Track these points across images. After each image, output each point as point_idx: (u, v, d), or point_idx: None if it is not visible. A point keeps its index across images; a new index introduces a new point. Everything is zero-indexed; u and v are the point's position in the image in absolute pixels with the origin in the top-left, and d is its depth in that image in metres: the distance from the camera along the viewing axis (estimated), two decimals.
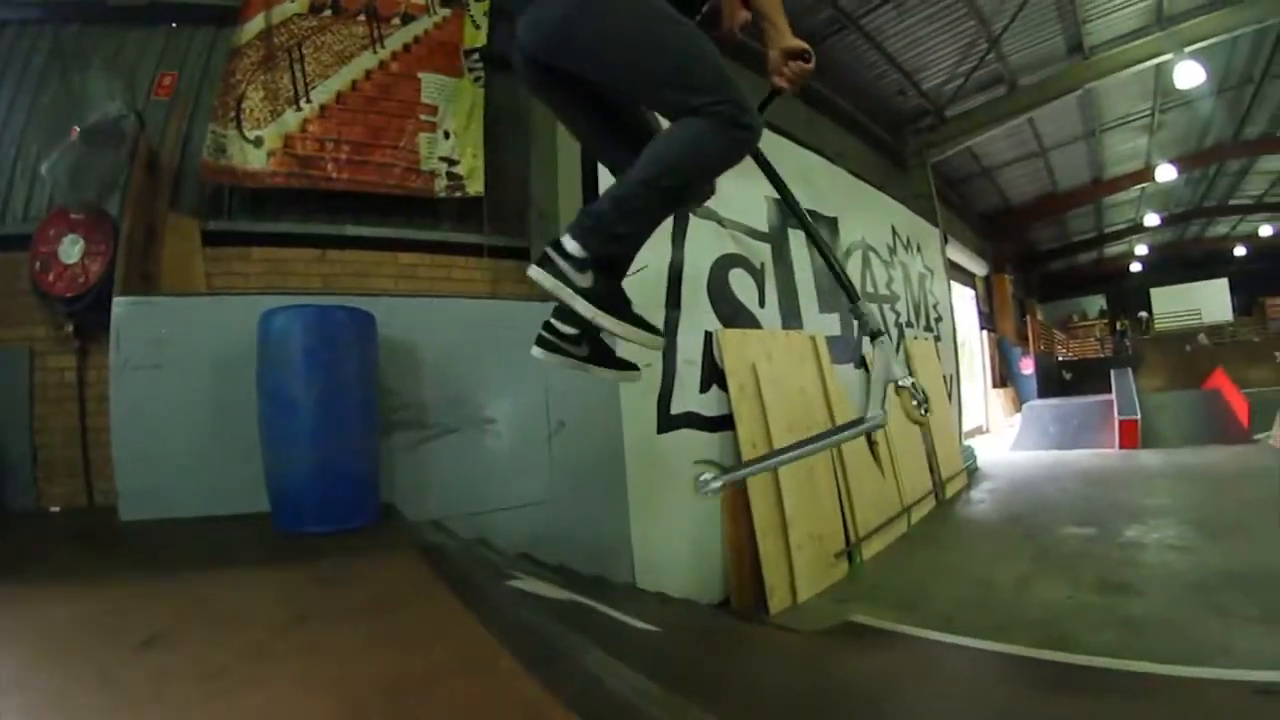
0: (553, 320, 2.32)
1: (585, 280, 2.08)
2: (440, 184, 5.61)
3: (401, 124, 5.63)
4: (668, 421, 5.36)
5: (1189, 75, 11.30)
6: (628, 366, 2.54)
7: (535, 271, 2.12)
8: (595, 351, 2.40)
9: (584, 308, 2.10)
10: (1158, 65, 11.61)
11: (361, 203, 5.44)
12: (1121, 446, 13.69)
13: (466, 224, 5.64)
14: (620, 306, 2.16)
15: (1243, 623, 4.76)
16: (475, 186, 5.66)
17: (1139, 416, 14.11)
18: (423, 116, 5.70)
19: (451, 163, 5.65)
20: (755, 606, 5.58)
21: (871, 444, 7.76)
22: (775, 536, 5.70)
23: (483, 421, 4.69)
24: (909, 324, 10.34)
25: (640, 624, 3.72)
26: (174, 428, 4.03)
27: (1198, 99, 14.27)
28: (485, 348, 4.74)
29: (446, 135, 5.69)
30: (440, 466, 4.52)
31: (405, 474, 4.39)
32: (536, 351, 2.34)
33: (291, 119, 5.38)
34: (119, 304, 4.14)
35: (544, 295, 2.14)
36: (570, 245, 2.08)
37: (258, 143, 5.26)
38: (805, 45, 2.30)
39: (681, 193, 2.14)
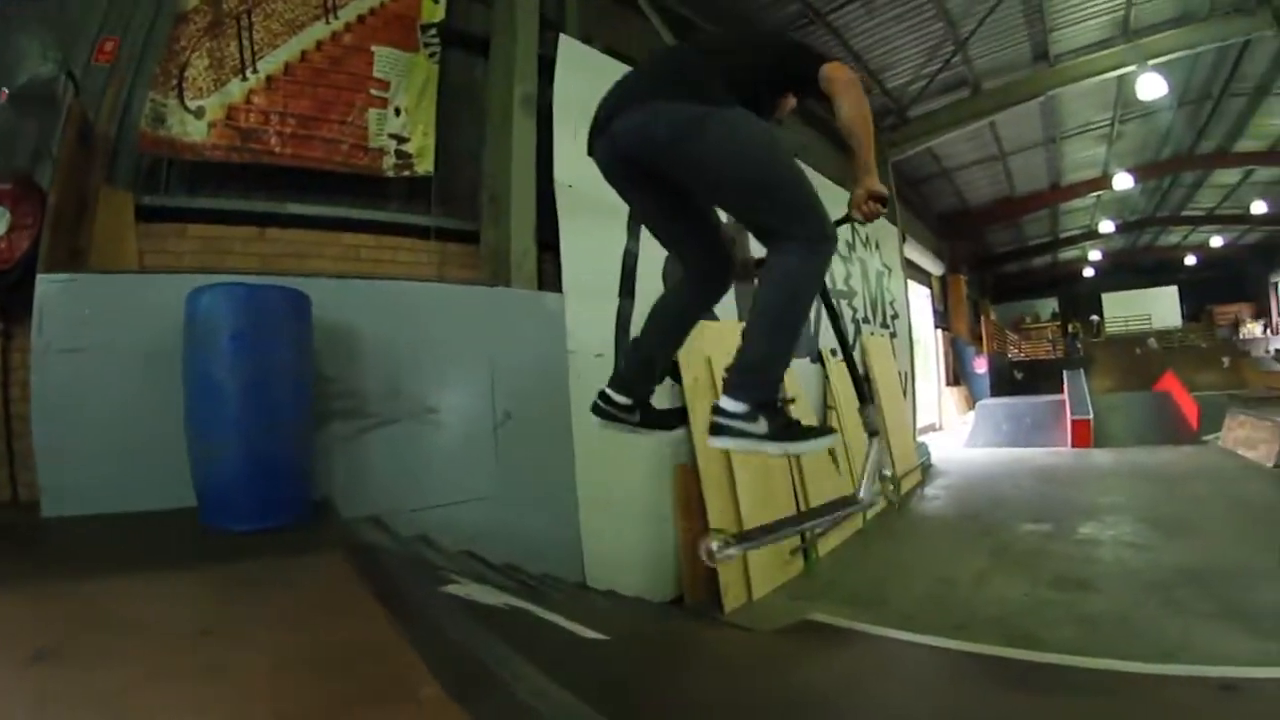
0: (607, 390, 2.59)
1: (761, 427, 2.23)
2: (388, 162, 5.27)
3: (351, 98, 5.28)
4: None
5: (1151, 87, 11.35)
6: (679, 424, 2.86)
7: (716, 441, 2.29)
8: (647, 417, 2.67)
9: (775, 448, 2.27)
10: (1120, 76, 11.64)
11: (305, 180, 5.06)
12: (1074, 445, 13.72)
13: (414, 205, 5.29)
14: (798, 431, 2.30)
15: (1200, 619, 4.74)
16: (425, 165, 5.33)
17: (1091, 416, 14.14)
18: (373, 91, 5.34)
19: (401, 140, 5.31)
20: (709, 604, 5.37)
21: None
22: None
23: (425, 412, 4.37)
24: (865, 320, 10.25)
25: (587, 633, 3.45)
26: (100, 416, 3.63)
27: (1157, 111, 14.36)
28: (429, 333, 4.44)
29: (397, 112, 5.36)
30: (380, 459, 4.18)
31: (342, 467, 4.05)
32: (595, 420, 2.62)
33: (236, 89, 5.00)
34: (43, 282, 3.75)
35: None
36: (733, 406, 2.26)
37: (199, 113, 4.87)
38: (886, 191, 2.50)
39: (801, 319, 2.34)
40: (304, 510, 3.57)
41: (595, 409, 2.60)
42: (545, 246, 5.16)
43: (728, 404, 2.26)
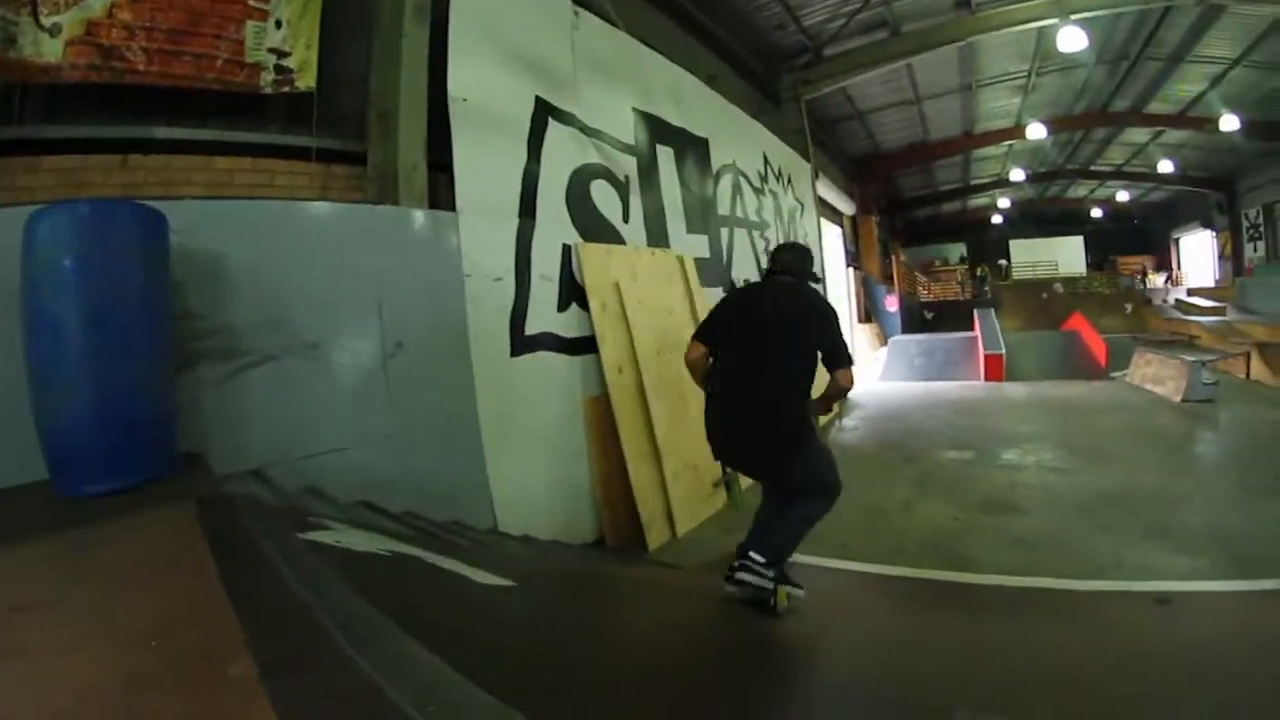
0: (743, 564, 3.44)
1: (772, 572, 3.39)
2: (266, 78, 4.58)
3: (227, 10, 4.56)
4: (522, 343, 4.62)
5: (1072, 40, 11.29)
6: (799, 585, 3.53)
7: (743, 576, 3.40)
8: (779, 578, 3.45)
9: (780, 589, 3.39)
10: (1041, 28, 11.54)
11: (174, 101, 4.39)
12: (987, 379, 13.76)
13: (295, 125, 4.64)
14: (789, 579, 3.47)
15: (1129, 538, 4.85)
16: (306, 81, 4.66)
17: (1004, 351, 14.20)
18: (252, 3, 4.65)
19: (281, 54, 4.63)
20: (632, 543, 5.00)
21: None
22: (649, 467, 5.12)
23: (306, 346, 3.74)
24: None
25: (490, 579, 3.00)
26: None
27: (1074, 67, 14.43)
28: (308, 258, 3.82)
29: (279, 24, 4.68)
30: (258, 403, 3.56)
31: (216, 415, 3.43)
32: (732, 583, 3.47)
33: (97, 2, 4.28)
34: None
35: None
36: (760, 561, 3.39)
37: (54, 30, 4.17)
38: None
39: (813, 527, 3.53)
40: (167, 465, 2.96)
41: (733, 574, 3.49)
42: (439, 168, 4.57)
43: (757, 558, 3.41)
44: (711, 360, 3.67)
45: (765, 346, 3.50)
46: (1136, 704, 2.60)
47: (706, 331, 3.71)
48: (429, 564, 2.95)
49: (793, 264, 3.71)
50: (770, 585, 3.33)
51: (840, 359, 3.49)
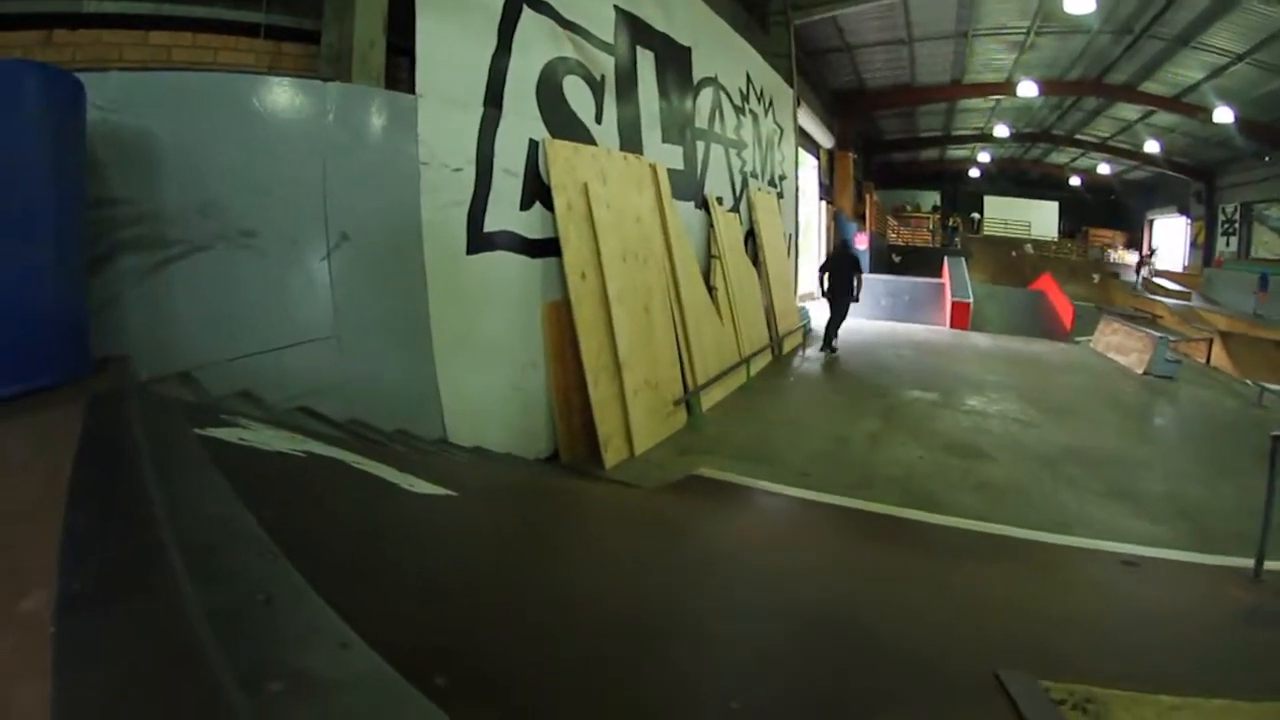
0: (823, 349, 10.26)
1: (826, 350, 10.31)
2: None
3: None
4: (480, 240, 4.27)
5: (1080, 1, 11.22)
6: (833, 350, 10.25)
7: (823, 353, 10.19)
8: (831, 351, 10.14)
9: (830, 352, 10.27)
10: None
11: None
12: (953, 325, 13.77)
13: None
14: (834, 350, 10.25)
15: (1093, 496, 4.86)
16: None
17: (971, 300, 14.14)
18: None
19: None
20: (588, 460, 4.84)
21: (710, 288, 7.30)
22: (608, 381, 4.88)
23: (241, 234, 3.33)
24: (754, 174, 9.78)
25: (426, 488, 2.65)
26: None
27: (1074, 33, 14.08)
28: (247, 136, 3.40)
29: None
30: (188, 299, 3.16)
31: (140, 312, 3.03)
32: (814, 352, 10.03)
33: None
34: None
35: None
36: (823, 346, 10.34)
37: None
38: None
39: (838, 327, 10.35)
40: (80, 366, 2.55)
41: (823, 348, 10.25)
42: (400, 51, 4.15)
43: (822, 347, 10.30)
44: (827, 277, 9.83)
45: (846, 273, 9.59)
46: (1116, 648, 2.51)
47: (825, 269, 9.99)
48: (351, 467, 2.59)
49: (849, 245, 10.85)
50: (830, 353, 9.86)
51: (862, 272, 9.91)
